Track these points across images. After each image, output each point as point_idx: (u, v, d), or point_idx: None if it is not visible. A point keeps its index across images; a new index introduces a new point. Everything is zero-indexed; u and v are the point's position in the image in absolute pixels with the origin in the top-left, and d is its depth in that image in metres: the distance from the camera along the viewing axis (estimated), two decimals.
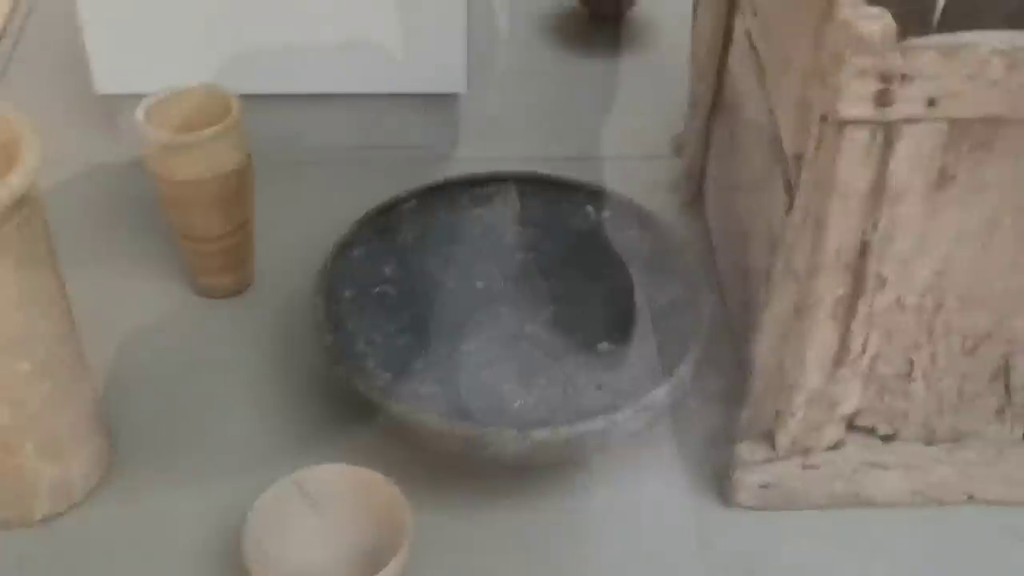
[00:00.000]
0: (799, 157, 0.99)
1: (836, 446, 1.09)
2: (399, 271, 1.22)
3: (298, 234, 1.25)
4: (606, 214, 1.24)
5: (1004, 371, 1.05)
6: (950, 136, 0.88)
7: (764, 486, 1.10)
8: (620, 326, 1.20)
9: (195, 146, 1.16)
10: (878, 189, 0.90)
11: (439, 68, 1.37)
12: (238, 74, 1.22)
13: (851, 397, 1.05)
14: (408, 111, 1.41)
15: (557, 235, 1.25)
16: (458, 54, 1.36)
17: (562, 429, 1.03)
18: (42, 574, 1.05)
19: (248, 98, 1.21)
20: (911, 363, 1.04)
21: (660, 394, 1.06)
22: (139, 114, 1.16)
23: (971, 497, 1.12)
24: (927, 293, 0.99)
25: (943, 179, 0.91)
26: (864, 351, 1.01)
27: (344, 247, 1.18)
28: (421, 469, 1.09)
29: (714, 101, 1.31)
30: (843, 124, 0.86)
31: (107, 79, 1.36)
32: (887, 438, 1.10)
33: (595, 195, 1.25)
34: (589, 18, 1.63)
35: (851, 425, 1.09)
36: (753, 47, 1.16)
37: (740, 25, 1.21)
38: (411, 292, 1.22)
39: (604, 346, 1.20)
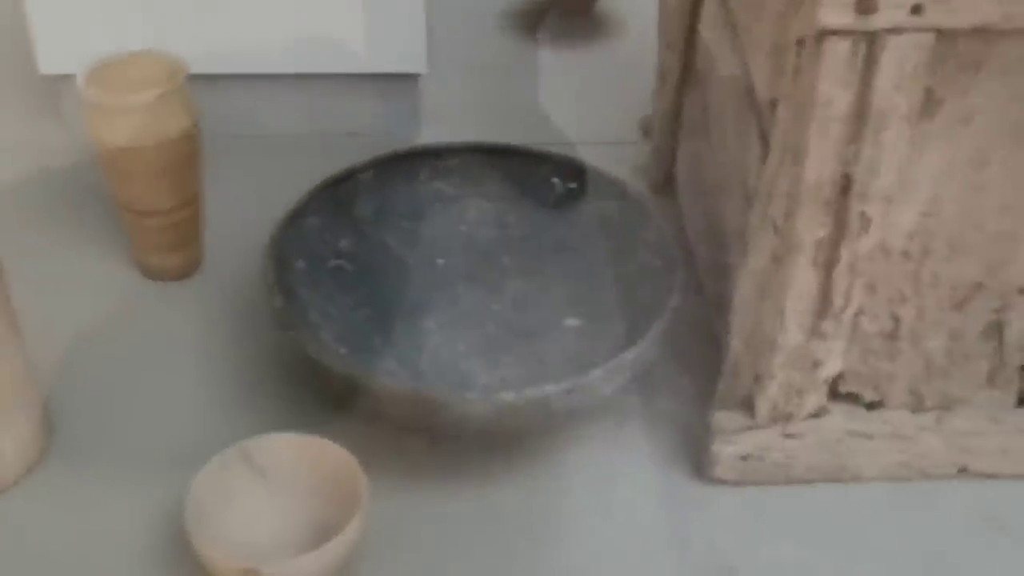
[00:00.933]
0: (774, 103, 0.93)
1: (819, 414, 1.02)
2: (356, 245, 1.15)
3: (250, 218, 1.17)
4: (572, 185, 1.17)
5: (996, 328, 0.98)
6: (936, 51, 0.81)
7: (743, 457, 1.03)
8: (588, 300, 1.13)
9: (137, 108, 1.08)
10: (861, 112, 0.83)
11: (399, 48, 1.31)
12: (189, 53, 1.15)
13: (834, 357, 0.98)
14: (367, 93, 1.34)
15: (521, 208, 1.18)
16: (418, 33, 1.30)
17: (528, 390, 0.95)
18: None
19: (201, 78, 1.14)
20: (896, 319, 0.97)
21: (628, 356, 0.99)
22: (80, 78, 1.10)
23: (963, 470, 1.05)
24: (913, 237, 0.92)
25: (929, 103, 0.85)
26: (847, 304, 0.94)
27: (296, 216, 1.10)
28: (380, 446, 1.01)
29: (683, 73, 1.25)
30: (823, 36, 0.80)
31: (51, 59, 1.30)
32: (872, 405, 1.03)
33: (561, 165, 1.18)
34: (557, 12, 1.58)
35: (834, 393, 1.02)
36: (723, 3, 1.10)
37: None
38: (368, 267, 1.14)
39: (572, 322, 1.12)
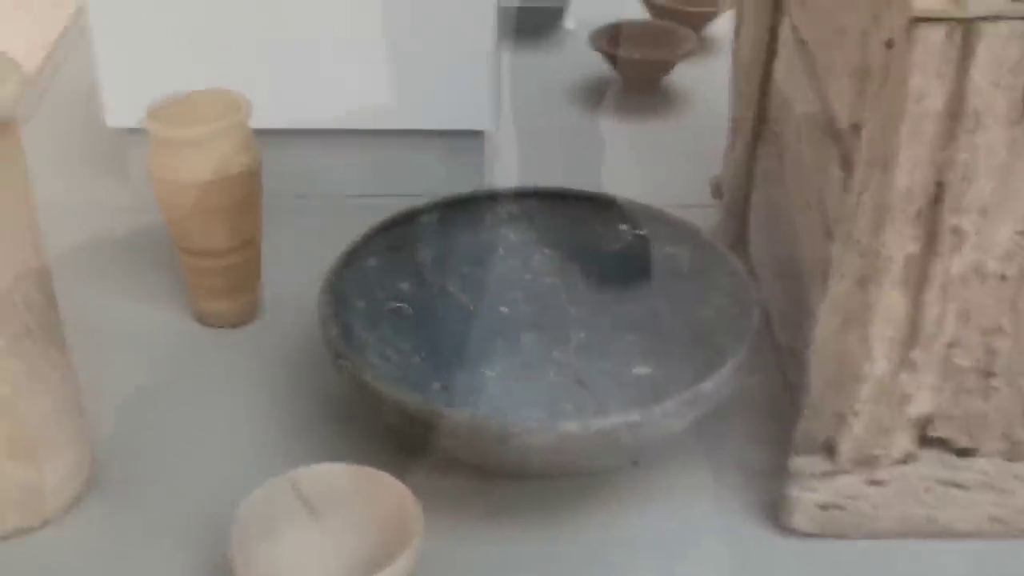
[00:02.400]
0: (856, 126, 0.87)
1: (906, 460, 0.93)
2: (416, 288, 1.09)
3: (309, 274, 1.09)
4: (641, 231, 1.11)
5: None
6: None
7: (824, 507, 0.94)
8: (658, 348, 1.05)
9: (198, 142, 1.04)
10: (955, 110, 0.76)
11: (466, 104, 1.27)
12: (256, 109, 1.12)
13: (923, 393, 0.89)
14: (432, 151, 1.30)
15: (588, 255, 1.12)
16: (485, 90, 1.26)
17: (593, 421, 0.88)
18: None
19: (264, 133, 1.10)
20: (992, 353, 0.88)
21: (702, 389, 0.91)
22: (144, 116, 1.06)
23: None
24: (1011, 258, 0.84)
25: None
26: (938, 332, 0.86)
27: (355, 254, 1.05)
28: (435, 484, 0.93)
29: (757, 125, 1.19)
30: (915, 23, 0.74)
31: (118, 113, 1.27)
32: (964, 452, 0.94)
33: (629, 211, 1.12)
34: (624, 87, 1.54)
35: (923, 439, 0.93)
36: (801, 41, 1.05)
37: (786, 26, 1.10)
38: (428, 311, 1.08)
39: (641, 370, 1.05)
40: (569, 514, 0.96)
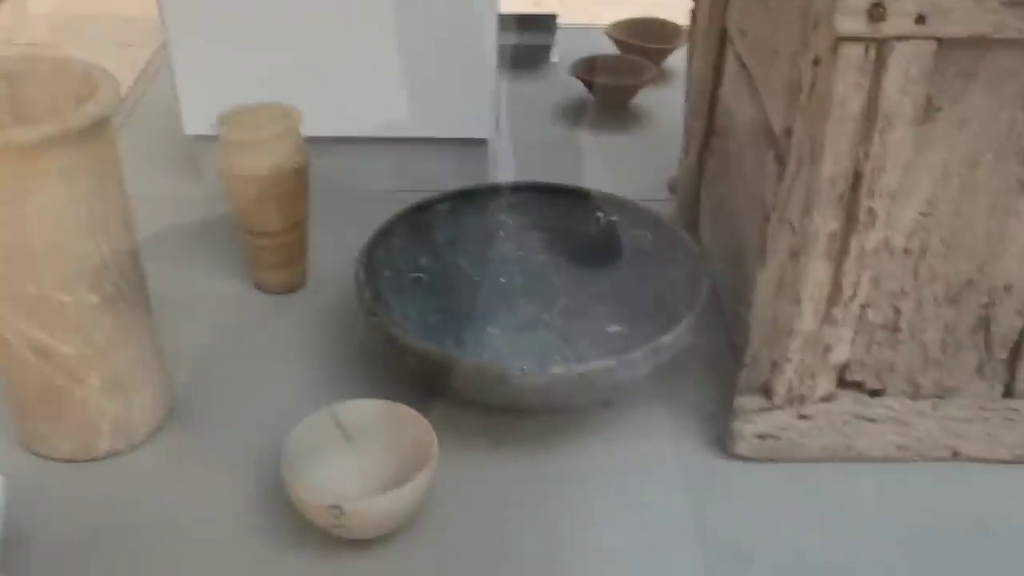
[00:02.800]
0: (788, 130, 0.84)
1: (828, 398, 0.91)
2: (433, 262, 1.06)
3: (347, 252, 1.07)
4: (613, 217, 1.09)
5: (984, 323, 0.87)
6: (937, 60, 0.73)
7: (762, 436, 0.92)
8: (627, 311, 1.03)
9: (259, 143, 1.02)
10: (870, 113, 0.74)
11: (472, 116, 1.24)
12: (306, 120, 1.09)
13: (842, 344, 0.87)
14: (445, 155, 1.27)
15: (571, 237, 1.09)
16: (487, 105, 1.24)
17: (576, 366, 0.86)
18: (98, 509, 0.86)
19: (312, 140, 1.08)
20: (897, 312, 0.87)
21: (665, 340, 0.89)
22: (217, 121, 1.03)
23: (956, 453, 0.93)
24: (913, 235, 0.82)
25: (930, 109, 0.76)
26: (855, 295, 0.84)
27: (384, 234, 1.02)
28: (448, 418, 0.91)
29: (706, 132, 1.16)
30: (839, 42, 0.72)
31: (195, 122, 1.24)
32: (875, 393, 0.92)
33: (604, 201, 1.09)
34: (598, 108, 1.52)
35: (842, 381, 0.91)
36: (743, 66, 1.02)
37: (731, 54, 1.07)
38: (443, 281, 1.06)
39: (613, 328, 1.03)
40: (554, 445, 0.94)
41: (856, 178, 0.78)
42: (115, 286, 0.85)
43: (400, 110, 1.24)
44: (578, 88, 1.53)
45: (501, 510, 0.87)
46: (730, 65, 1.08)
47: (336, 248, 1.13)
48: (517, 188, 1.10)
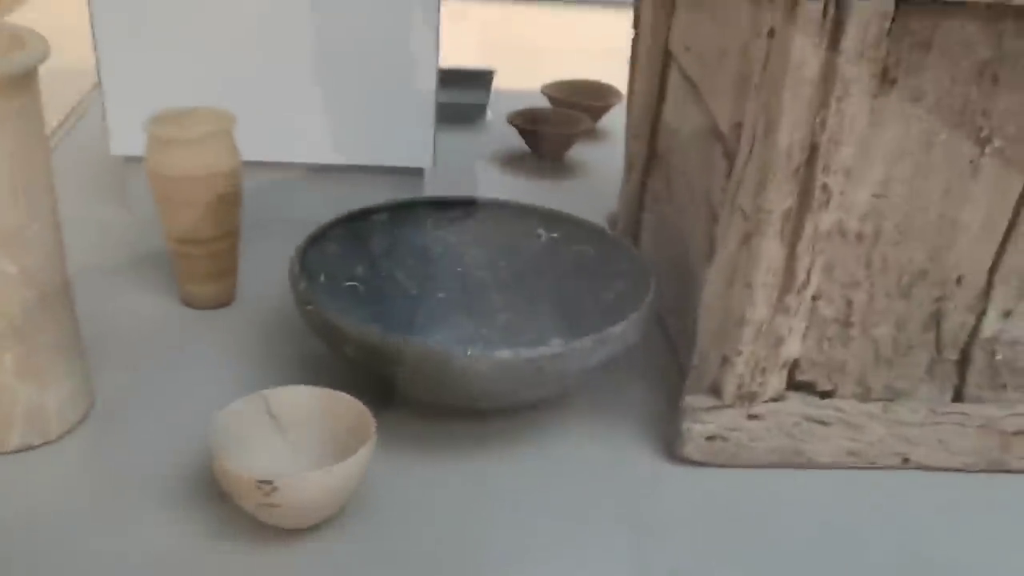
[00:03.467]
0: (737, 125, 0.84)
1: (778, 398, 0.87)
2: (369, 273, 1.02)
3: (276, 279, 1.02)
4: (555, 234, 1.06)
5: (936, 320, 0.86)
6: (895, 26, 0.73)
7: (711, 438, 0.88)
8: (570, 325, 0.99)
9: (190, 142, 0.97)
10: (828, 76, 0.73)
11: (410, 145, 1.22)
12: (247, 145, 1.06)
13: (794, 337, 0.84)
14: (381, 183, 1.23)
15: (511, 254, 1.06)
16: (427, 133, 1.22)
17: (523, 350, 0.81)
18: (6, 504, 0.78)
19: (246, 164, 1.04)
20: (849, 304, 0.84)
21: (615, 330, 0.85)
22: (146, 123, 0.99)
23: (906, 460, 0.90)
24: (866, 219, 0.81)
25: (885, 82, 0.76)
26: (808, 281, 0.82)
27: (320, 238, 0.97)
28: (389, 412, 0.86)
29: (648, 158, 1.16)
30: (797, 2, 0.72)
31: (123, 143, 1.19)
32: (825, 394, 0.89)
33: (545, 217, 1.06)
34: (535, 157, 1.51)
35: (792, 382, 0.88)
36: (688, 80, 1.02)
37: (674, 73, 1.07)
38: (379, 293, 1.01)
39: (556, 342, 0.98)
40: (495, 447, 0.89)
41: (812, 151, 0.76)
42: (35, 259, 0.78)
43: (336, 137, 1.21)
44: (515, 141, 1.53)
45: (435, 509, 0.81)
46: (674, 83, 1.08)
47: (266, 273, 1.07)
48: (457, 203, 1.07)
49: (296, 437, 0.80)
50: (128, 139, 1.18)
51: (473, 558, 0.76)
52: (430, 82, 1.20)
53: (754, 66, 0.80)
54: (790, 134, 0.75)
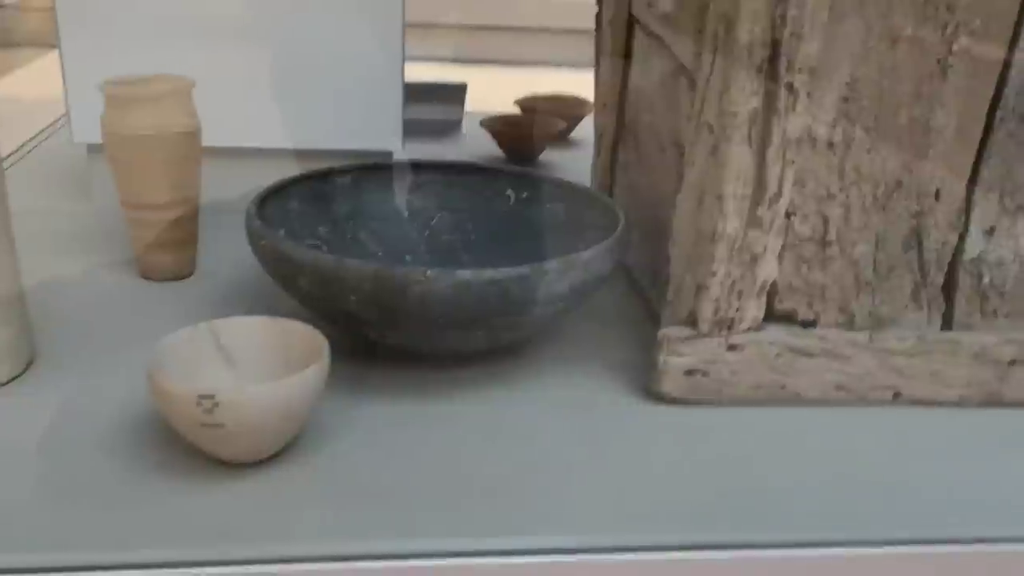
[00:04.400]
0: (698, 55, 0.81)
1: (758, 328, 0.82)
2: (332, 233, 0.97)
3: (242, 260, 0.97)
4: (524, 194, 1.02)
5: (916, 236, 0.81)
6: None
7: (690, 372, 0.82)
8: None
9: (146, 100, 0.94)
10: None
11: (381, 129, 1.19)
12: (205, 127, 1.02)
13: (769, 257, 0.79)
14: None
15: (480, 216, 1.02)
16: (395, 115, 1.19)
17: (485, 271, 0.76)
18: None
19: (209, 150, 1.01)
20: (825, 220, 0.80)
21: (582, 256, 0.80)
22: (102, 84, 0.96)
23: (898, 395, 0.84)
24: (836, 125, 0.77)
25: None
26: (779, 192, 0.77)
27: (279, 192, 0.93)
28: (347, 345, 0.80)
29: (617, 130, 1.12)
30: None
31: (84, 131, 1.15)
32: (807, 324, 0.84)
33: (515, 178, 1.02)
34: (507, 159, 1.48)
35: (772, 312, 0.83)
36: (651, 35, 0.99)
37: (639, 36, 1.05)
38: (342, 254, 0.95)
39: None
40: (457, 393, 0.83)
41: (774, 47, 0.73)
42: None
43: (303, 122, 1.18)
44: (488, 147, 1.50)
45: (394, 448, 0.75)
46: (639, 46, 1.05)
47: (229, 252, 1.02)
48: (424, 165, 1.03)
49: (247, 369, 0.74)
50: (91, 127, 1.14)
51: (440, 497, 0.70)
52: (396, 63, 1.18)
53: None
54: (750, 30, 0.72)
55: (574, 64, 2.19)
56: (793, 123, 0.75)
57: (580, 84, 1.51)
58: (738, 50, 0.73)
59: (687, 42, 0.86)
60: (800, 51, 0.73)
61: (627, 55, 1.09)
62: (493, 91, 1.74)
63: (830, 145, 0.78)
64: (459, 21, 2.53)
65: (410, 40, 1.18)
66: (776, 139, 0.75)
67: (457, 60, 2.24)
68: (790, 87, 0.74)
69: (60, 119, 1.51)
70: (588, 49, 1.18)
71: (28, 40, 2.50)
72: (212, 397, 0.65)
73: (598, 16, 1.14)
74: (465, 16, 2.53)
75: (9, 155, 1.38)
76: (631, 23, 1.08)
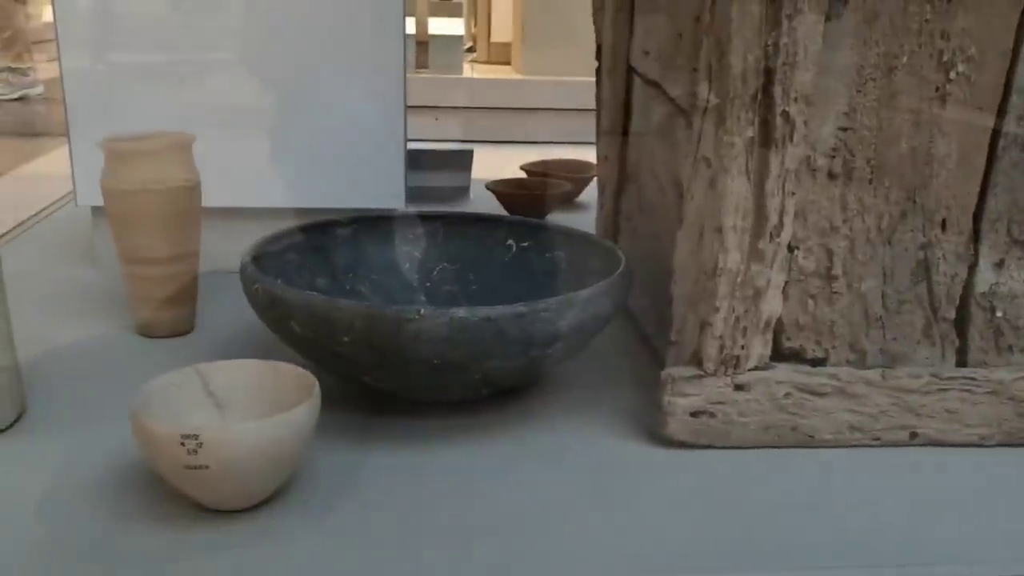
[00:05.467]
0: (693, 93, 0.79)
1: (765, 367, 0.79)
2: (331, 286, 0.95)
3: (242, 319, 0.95)
4: (525, 243, 0.99)
5: (924, 269, 0.78)
6: None
7: (696, 413, 0.78)
8: None
9: (145, 154, 0.93)
10: None
11: (381, 187, 1.18)
12: (207, 188, 1.02)
13: (774, 292, 0.77)
14: None
15: (480, 267, 0.99)
16: (398, 174, 1.17)
17: (481, 308, 0.73)
18: None
19: (214, 211, 1.00)
20: (829, 253, 0.77)
21: (581, 295, 0.78)
22: (101, 141, 0.95)
23: (914, 434, 0.80)
24: (835, 155, 0.75)
25: (836, 2, 0.71)
26: (781, 224, 0.75)
27: (277, 241, 0.92)
28: (340, 391, 0.78)
29: (619, 180, 1.11)
30: None
31: (88, 193, 1.15)
32: (817, 362, 0.80)
33: (515, 227, 1.00)
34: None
35: (779, 352, 0.79)
36: (648, 82, 0.98)
37: (637, 86, 1.04)
38: None
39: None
40: (469, 437, 0.80)
41: (768, 76, 0.71)
42: None
43: (307, 181, 1.17)
44: (495, 209, 1.48)
45: (391, 497, 0.71)
46: (637, 94, 1.04)
47: (230, 313, 0.99)
48: (425, 217, 1.02)
49: (236, 413, 0.71)
50: (94, 191, 1.13)
51: (439, 546, 0.66)
52: (399, 122, 1.17)
53: (704, 4, 0.76)
54: (743, 58, 0.71)
55: (579, 141, 2.21)
56: (791, 153, 0.73)
57: (586, 156, 1.51)
58: (732, 79, 0.71)
59: (683, 81, 0.85)
60: (795, 79, 0.71)
61: (627, 106, 1.08)
62: (499, 163, 1.73)
63: (831, 176, 0.75)
64: (465, 103, 2.57)
65: (417, 122, 1.18)
66: (774, 169, 0.73)
67: (465, 140, 2.26)
68: (786, 116, 0.72)
69: (69, 192, 1.51)
70: (592, 126, 1.17)
71: (51, 130, 2.54)
72: (196, 437, 0.62)
73: (598, 70, 1.13)
74: (471, 99, 2.57)
75: (17, 225, 1.37)
76: (629, 74, 1.07)
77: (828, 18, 0.71)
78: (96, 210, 1.16)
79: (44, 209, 1.46)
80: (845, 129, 0.74)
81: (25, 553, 0.63)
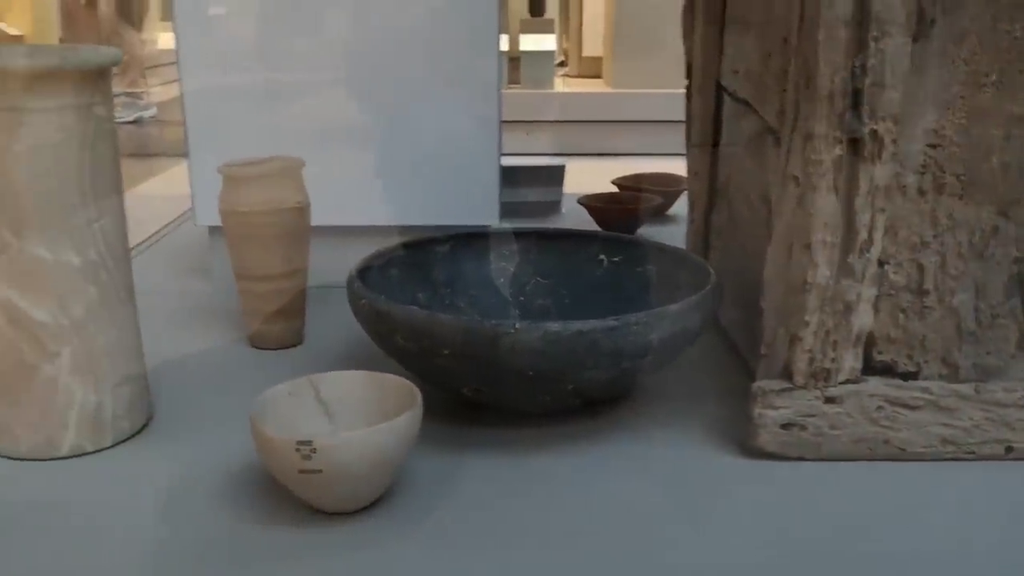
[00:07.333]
0: (782, 111, 0.80)
1: (856, 380, 0.79)
2: (431, 300, 0.98)
3: (349, 333, 0.99)
4: (616, 258, 1.01)
5: (1019, 282, 0.78)
6: None
7: (786, 425, 0.79)
8: None
9: (259, 178, 0.98)
10: (862, 17, 0.70)
11: (478, 205, 1.21)
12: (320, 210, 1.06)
13: (864, 305, 0.77)
14: None
15: (573, 281, 1.01)
16: (492, 191, 1.20)
17: (574, 323, 0.75)
18: (57, 516, 0.73)
19: (323, 229, 1.05)
20: (921, 269, 0.77)
21: (672, 309, 0.79)
22: (220, 166, 1.00)
23: (1010, 448, 0.79)
24: (925, 172, 0.75)
25: (923, 23, 0.72)
26: (870, 240, 0.75)
27: (380, 258, 0.95)
28: (439, 399, 0.80)
29: (709, 197, 1.12)
30: None
31: (207, 214, 1.20)
32: (908, 376, 0.80)
33: (607, 242, 1.02)
34: None
35: (869, 364, 0.79)
36: (739, 100, 0.99)
37: (727, 104, 1.05)
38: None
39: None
40: (562, 446, 0.82)
41: (856, 96, 0.72)
42: (99, 253, 0.78)
43: (404, 199, 1.21)
44: (587, 223, 1.50)
45: (488, 503, 0.74)
46: (727, 112, 1.05)
47: (336, 327, 1.04)
48: (519, 233, 1.04)
49: (344, 421, 0.75)
50: (212, 211, 1.19)
51: (534, 551, 0.68)
52: (494, 140, 1.20)
53: (791, 27, 0.76)
54: (830, 79, 0.71)
55: (669, 153, 2.21)
56: (880, 171, 0.73)
57: (676, 167, 1.52)
58: (819, 100, 0.72)
59: (772, 100, 0.86)
60: (883, 99, 0.72)
61: (716, 123, 1.09)
62: (590, 176, 1.75)
63: (920, 192, 0.75)
64: (556, 117, 2.59)
65: (508, 136, 1.21)
66: (864, 186, 0.74)
67: (556, 154, 2.28)
68: (874, 135, 0.72)
69: (187, 211, 1.58)
70: (681, 137, 1.18)
71: (164, 150, 2.66)
72: (309, 443, 0.65)
73: (688, 87, 1.14)
74: (563, 112, 2.59)
75: (140, 243, 1.45)
76: (719, 91, 1.08)
77: (915, 39, 0.71)
78: (212, 229, 1.22)
79: (163, 227, 1.54)
80: (934, 146, 0.74)
81: (152, 552, 0.68)
